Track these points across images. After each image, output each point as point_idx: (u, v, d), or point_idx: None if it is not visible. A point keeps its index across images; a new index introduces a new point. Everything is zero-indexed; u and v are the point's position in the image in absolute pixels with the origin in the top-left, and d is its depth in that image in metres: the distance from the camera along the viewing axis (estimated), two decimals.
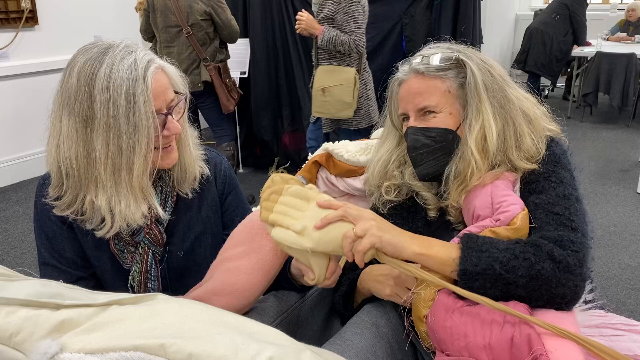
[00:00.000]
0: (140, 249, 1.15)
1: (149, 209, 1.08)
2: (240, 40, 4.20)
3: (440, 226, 1.21)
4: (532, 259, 0.95)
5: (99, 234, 1.07)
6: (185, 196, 1.18)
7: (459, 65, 1.15)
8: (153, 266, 1.17)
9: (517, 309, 0.92)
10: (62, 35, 4.30)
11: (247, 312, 1.14)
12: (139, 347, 0.63)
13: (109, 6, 4.68)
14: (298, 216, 0.99)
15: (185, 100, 1.11)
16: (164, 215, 1.13)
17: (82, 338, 0.66)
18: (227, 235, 1.21)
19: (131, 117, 0.98)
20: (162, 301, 0.75)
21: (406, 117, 1.21)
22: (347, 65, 3.12)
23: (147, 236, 1.15)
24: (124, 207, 1.03)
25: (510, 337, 0.89)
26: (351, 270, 1.32)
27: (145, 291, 1.18)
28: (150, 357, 0.62)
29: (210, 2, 3.30)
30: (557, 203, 1.04)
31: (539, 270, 0.94)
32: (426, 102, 1.15)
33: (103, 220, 1.05)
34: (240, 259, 1.05)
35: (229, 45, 3.68)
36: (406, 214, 1.26)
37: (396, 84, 1.22)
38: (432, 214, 1.22)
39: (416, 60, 1.19)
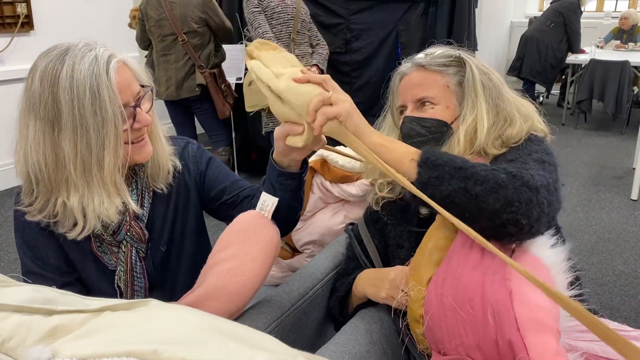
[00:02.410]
0: (123, 247, 1.15)
1: (123, 204, 1.08)
2: (236, 46, 4.21)
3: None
4: (489, 167, 0.95)
5: (70, 235, 1.07)
6: (160, 192, 1.19)
7: (459, 64, 1.20)
8: (138, 264, 1.17)
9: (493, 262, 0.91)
10: (57, 41, 4.25)
11: (241, 317, 1.14)
12: (132, 352, 0.63)
13: (105, 12, 4.68)
14: (280, 67, 1.01)
15: (152, 92, 1.12)
16: (138, 209, 1.13)
17: (75, 344, 0.66)
18: (222, 208, 1.25)
19: (98, 113, 0.98)
20: (155, 307, 0.75)
21: (404, 109, 1.23)
22: None
23: (128, 233, 1.15)
24: (97, 204, 1.03)
25: (494, 339, 0.89)
26: (347, 275, 1.32)
27: (132, 290, 1.19)
28: None
29: (204, 8, 3.33)
30: (517, 158, 1.05)
31: (496, 175, 0.93)
32: (424, 93, 1.18)
33: (75, 222, 1.05)
34: (231, 261, 1.05)
35: (226, 50, 3.70)
36: (400, 214, 1.27)
37: (398, 78, 1.26)
38: (424, 211, 1.23)
39: (420, 55, 1.23)
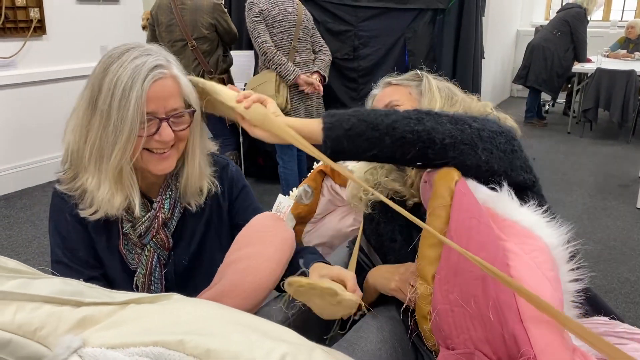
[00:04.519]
0: (146, 251, 1.19)
1: (126, 201, 1.11)
2: (244, 52, 4.25)
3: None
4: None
5: (83, 213, 1.11)
6: (189, 207, 1.21)
7: (419, 79, 1.37)
8: (157, 269, 1.20)
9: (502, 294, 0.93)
10: (69, 45, 4.35)
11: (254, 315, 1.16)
12: (159, 342, 0.66)
13: (116, 17, 4.74)
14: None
15: (192, 115, 1.13)
16: (138, 213, 1.14)
17: (103, 334, 0.69)
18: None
19: (121, 111, 1.03)
20: (178, 301, 0.78)
21: None
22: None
23: (154, 239, 1.18)
24: (102, 193, 1.08)
25: (500, 333, 0.91)
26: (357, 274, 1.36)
27: (148, 293, 1.20)
28: (169, 352, 0.65)
29: (214, 14, 3.38)
30: None
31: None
32: (391, 98, 1.34)
33: (91, 203, 1.10)
34: (247, 260, 1.08)
35: (234, 57, 3.75)
36: (390, 212, 1.32)
37: (370, 100, 1.43)
38: (410, 202, 1.29)
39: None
